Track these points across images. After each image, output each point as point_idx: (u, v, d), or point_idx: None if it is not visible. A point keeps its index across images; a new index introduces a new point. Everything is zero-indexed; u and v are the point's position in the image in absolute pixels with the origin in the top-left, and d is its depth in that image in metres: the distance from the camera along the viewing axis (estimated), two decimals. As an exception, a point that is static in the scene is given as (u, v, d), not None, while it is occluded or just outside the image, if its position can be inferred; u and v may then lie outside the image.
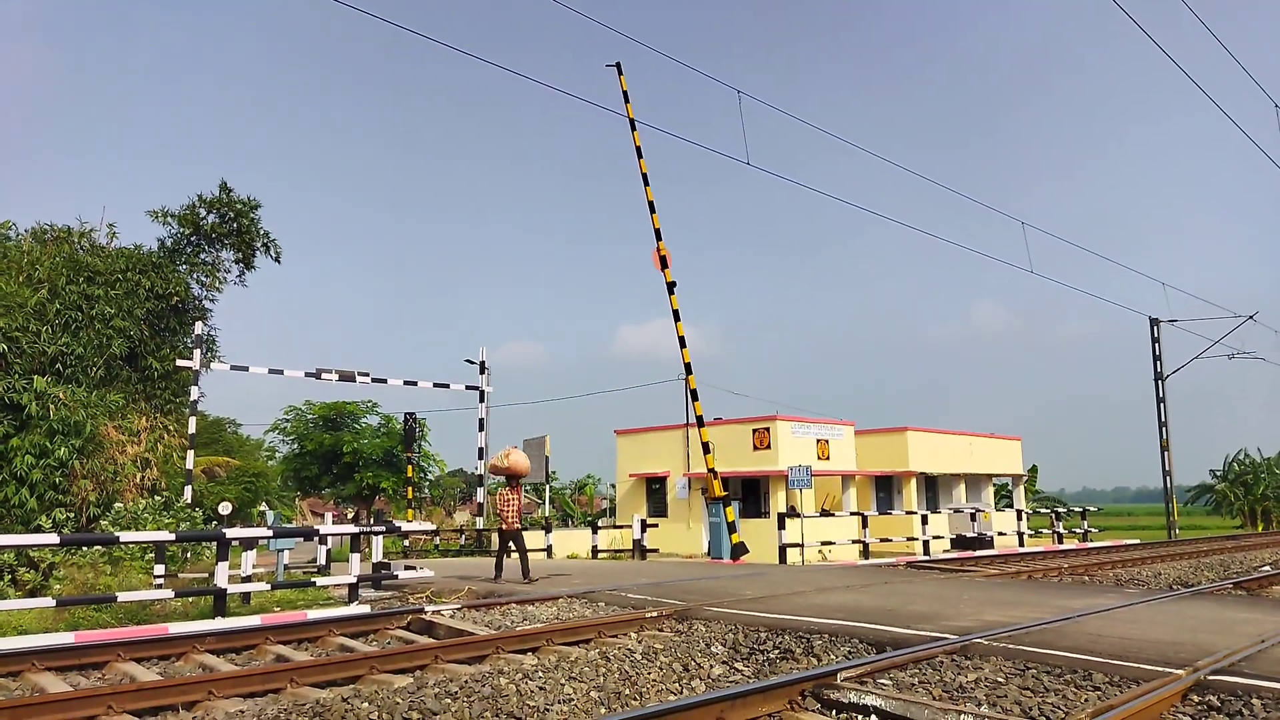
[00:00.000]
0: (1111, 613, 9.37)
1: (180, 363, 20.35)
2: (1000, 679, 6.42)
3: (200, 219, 22.00)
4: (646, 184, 20.55)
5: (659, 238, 20.17)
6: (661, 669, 7.31)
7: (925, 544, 22.68)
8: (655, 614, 9.32)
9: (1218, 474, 58.92)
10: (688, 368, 20.29)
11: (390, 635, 9.16)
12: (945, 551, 24.30)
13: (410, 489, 28.36)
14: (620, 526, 27.03)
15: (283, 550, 18.26)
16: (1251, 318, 32.81)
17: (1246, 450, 58.42)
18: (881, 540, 24.04)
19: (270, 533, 12.87)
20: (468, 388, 26.73)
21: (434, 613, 9.76)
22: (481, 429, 26.16)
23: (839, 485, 29.64)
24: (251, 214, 22.48)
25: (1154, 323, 35.27)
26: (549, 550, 23.78)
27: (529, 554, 14.35)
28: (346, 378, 23.70)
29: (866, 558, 21.18)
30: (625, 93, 20.68)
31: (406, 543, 28.56)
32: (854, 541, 22.07)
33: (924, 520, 23.31)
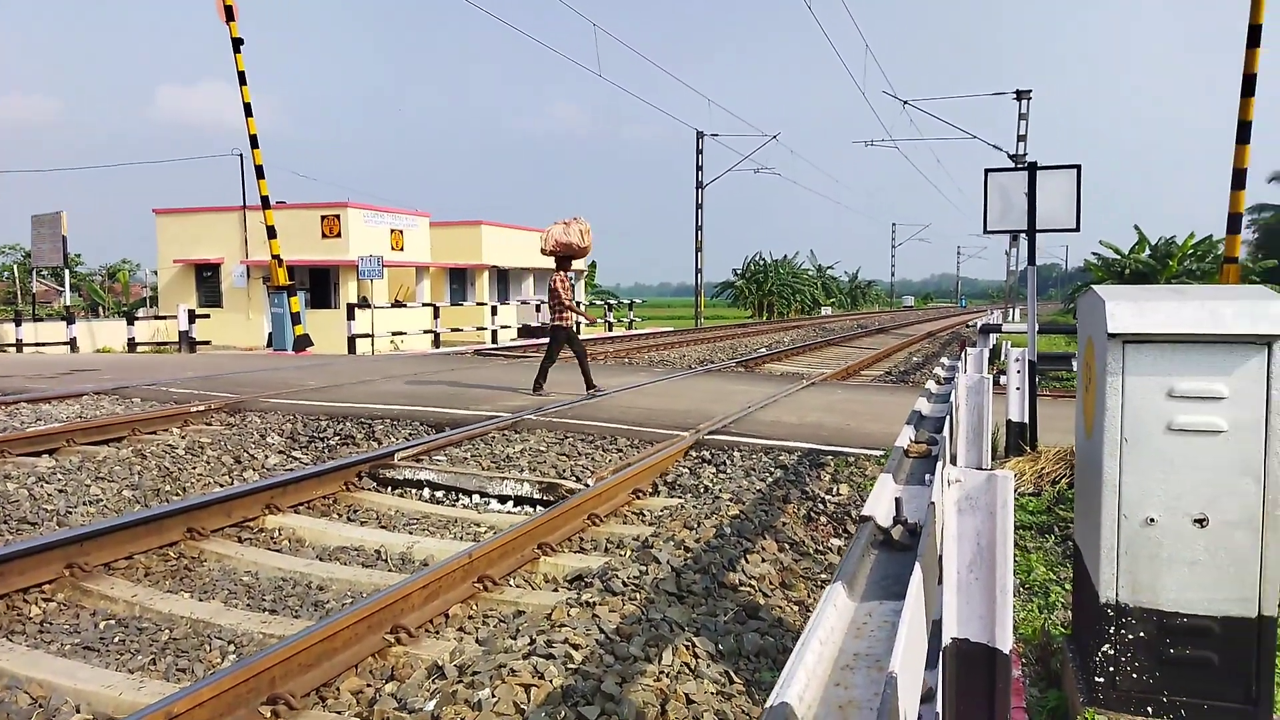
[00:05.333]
0: (641, 388, 10.82)
1: None
2: (543, 448, 7.16)
3: None
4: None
5: None
6: (209, 463, 6.95)
7: (494, 333, 23.96)
8: (203, 408, 8.71)
9: (738, 272, 69.40)
10: (253, 140, 18.16)
11: None
12: (512, 340, 25.89)
13: None
14: (164, 317, 24.31)
15: None
16: (774, 138, 37.87)
17: (761, 253, 69.38)
18: (453, 330, 24.80)
19: None
20: (-56, 146, 21.23)
21: (-93, 419, 8.08)
22: (-31, 199, 21.16)
23: (413, 276, 29.53)
24: None
25: (700, 135, 39.22)
26: (73, 344, 20.73)
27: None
28: None
29: (438, 347, 21.81)
30: None
31: None
32: (426, 332, 22.47)
33: (494, 311, 24.54)
